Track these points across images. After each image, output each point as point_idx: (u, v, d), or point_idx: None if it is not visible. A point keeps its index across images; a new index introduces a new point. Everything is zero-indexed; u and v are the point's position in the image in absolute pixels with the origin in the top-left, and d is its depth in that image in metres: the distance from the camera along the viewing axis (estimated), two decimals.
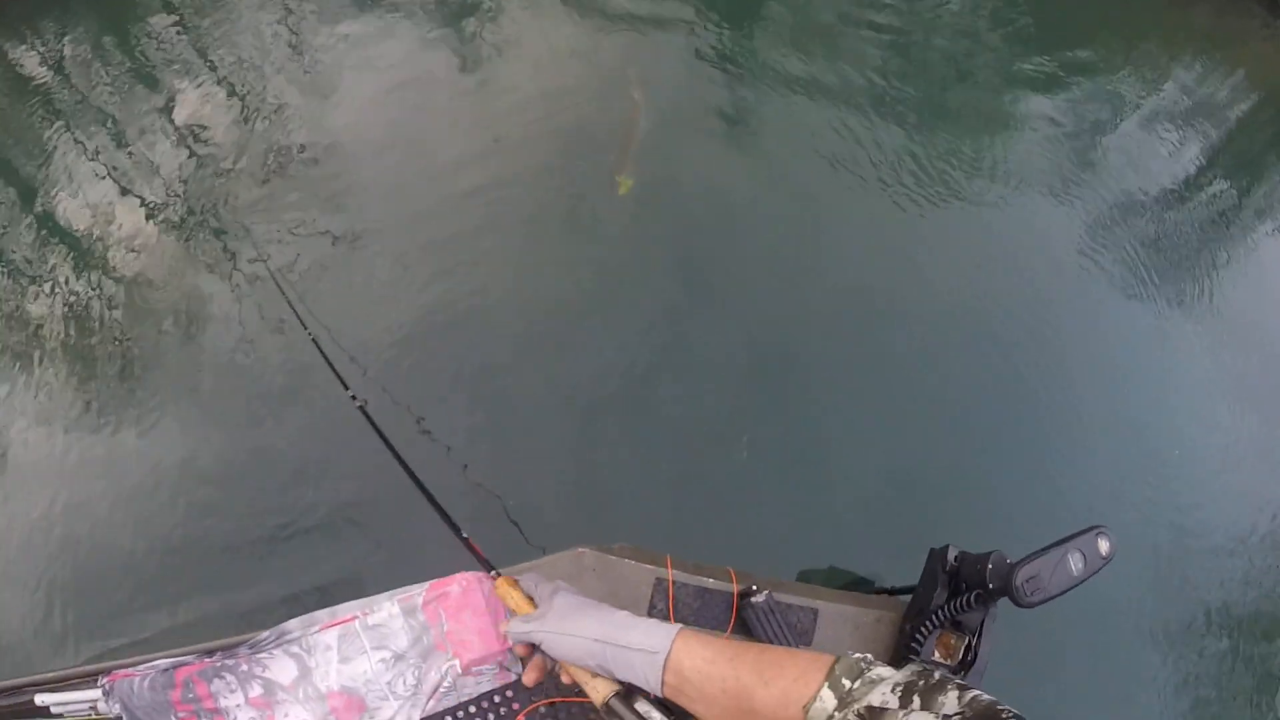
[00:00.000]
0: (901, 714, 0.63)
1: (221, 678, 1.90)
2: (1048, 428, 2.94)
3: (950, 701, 0.60)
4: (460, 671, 1.70)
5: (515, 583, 1.00)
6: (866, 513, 2.53)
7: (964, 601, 1.61)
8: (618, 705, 0.86)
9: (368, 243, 2.90)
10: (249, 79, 3.47)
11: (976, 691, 0.60)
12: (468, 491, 2.44)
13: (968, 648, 1.70)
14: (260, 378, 2.64)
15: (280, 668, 1.83)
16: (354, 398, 1.74)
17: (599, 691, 0.88)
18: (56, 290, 2.93)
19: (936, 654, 1.73)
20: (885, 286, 3.15)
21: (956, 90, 3.93)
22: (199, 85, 3.46)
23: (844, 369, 2.93)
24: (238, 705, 1.89)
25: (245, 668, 1.86)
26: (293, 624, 1.84)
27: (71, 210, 3.20)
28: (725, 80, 3.71)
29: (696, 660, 0.81)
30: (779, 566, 1.80)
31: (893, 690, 0.65)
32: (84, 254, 3.04)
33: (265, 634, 1.86)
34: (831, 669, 0.72)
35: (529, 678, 0.97)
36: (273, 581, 2.17)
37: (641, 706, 0.85)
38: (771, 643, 1.66)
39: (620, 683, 0.89)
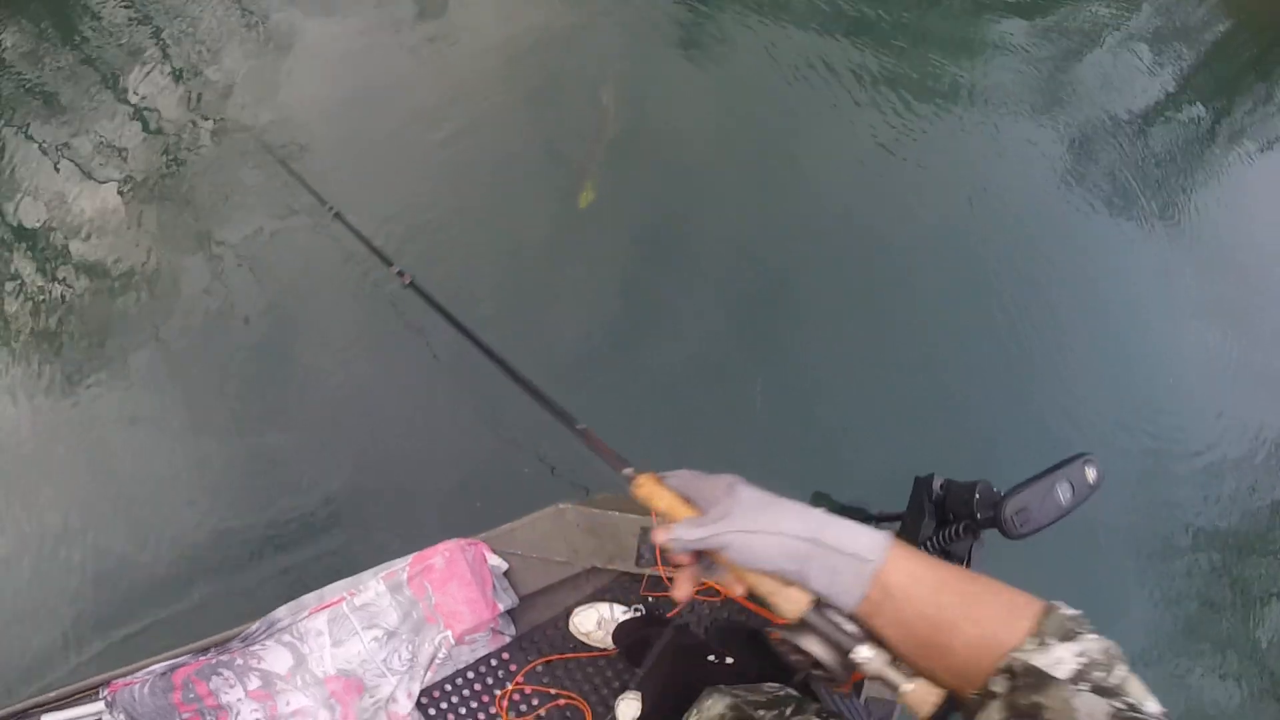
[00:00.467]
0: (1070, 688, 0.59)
1: (219, 674, 1.89)
2: (1032, 354, 2.88)
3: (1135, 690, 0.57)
4: (454, 642, 1.70)
5: (661, 480, 0.83)
6: (852, 443, 2.50)
7: (953, 531, 1.59)
8: (815, 619, 0.73)
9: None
10: (199, 54, 3.23)
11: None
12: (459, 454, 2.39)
13: None
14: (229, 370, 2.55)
15: (275, 657, 1.82)
16: (400, 273, 1.60)
17: (794, 601, 0.74)
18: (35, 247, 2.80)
19: None
20: (867, 215, 3.03)
21: (932, 14, 3.72)
22: (148, 65, 3.22)
23: (827, 298, 2.84)
24: (239, 700, 1.89)
25: (241, 661, 1.85)
26: (281, 611, 1.82)
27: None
28: (695, 9, 3.47)
29: (903, 577, 0.71)
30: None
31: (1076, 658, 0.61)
32: (56, 222, 2.87)
33: (255, 625, 1.84)
34: (1041, 621, 0.66)
35: (682, 591, 0.78)
36: (260, 569, 2.15)
37: (836, 618, 0.74)
38: None
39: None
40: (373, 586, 1.72)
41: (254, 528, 2.19)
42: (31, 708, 2.02)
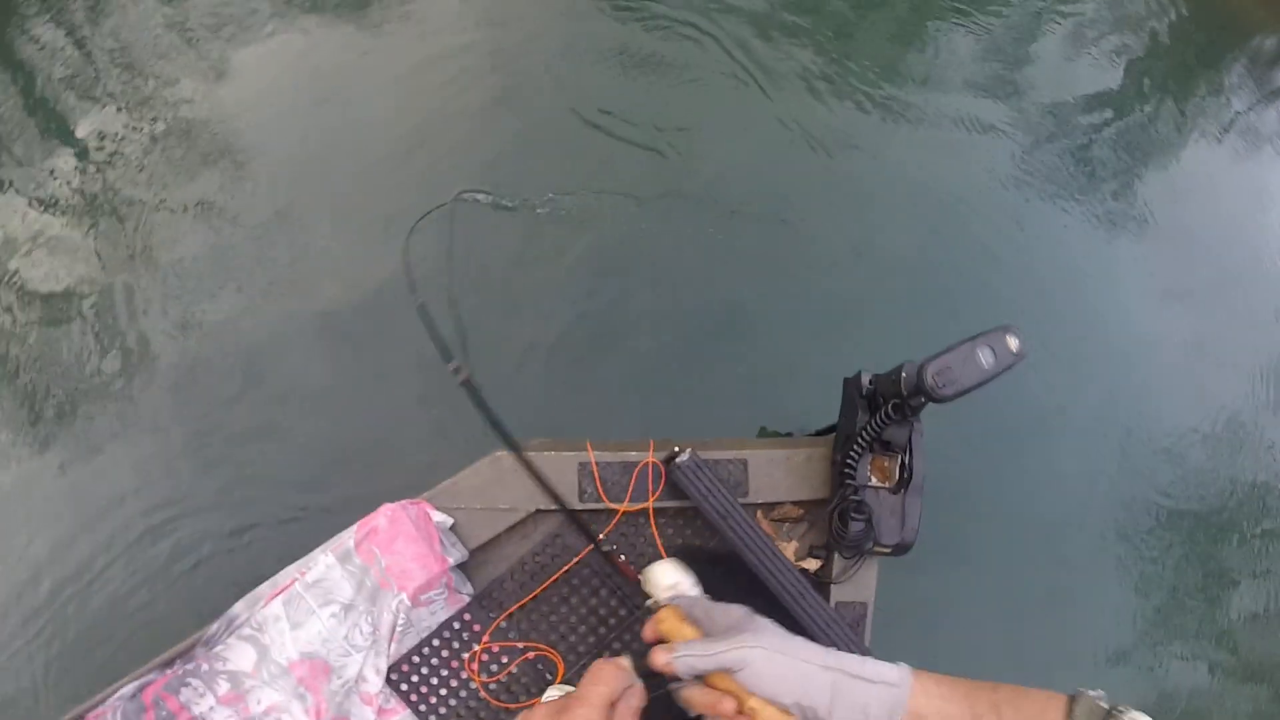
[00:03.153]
0: None
1: (188, 684, 1.87)
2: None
3: None
4: (410, 604, 1.68)
5: (679, 611, 0.80)
6: (784, 366, 2.50)
7: (884, 414, 1.58)
8: None
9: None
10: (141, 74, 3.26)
11: None
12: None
13: (901, 466, 1.69)
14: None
15: (239, 655, 1.80)
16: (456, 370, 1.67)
17: None
18: None
19: (873, 479, 1.71)
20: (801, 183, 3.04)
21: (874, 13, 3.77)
22: (91, 92, 3.25)
23: (752, 226, 2.84)
24: (210, 708, 1.86)
25: (206, 666, 1.83)
26: (238, 607, 1.81)
27: None
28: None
29: (934, 699, 0.70)
30: (701, 434, 1.76)
31: None
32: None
33: (214, 626, 1.83)
34: (1070, 712, 0.67)
35: (699, 700, 0.74)
36: (210, 566, 2.14)
37: None
38: (710, 505, 1.63)
39: None
40: (322, 561, 1.71)
41: (197, 525, 2.18)
42: None
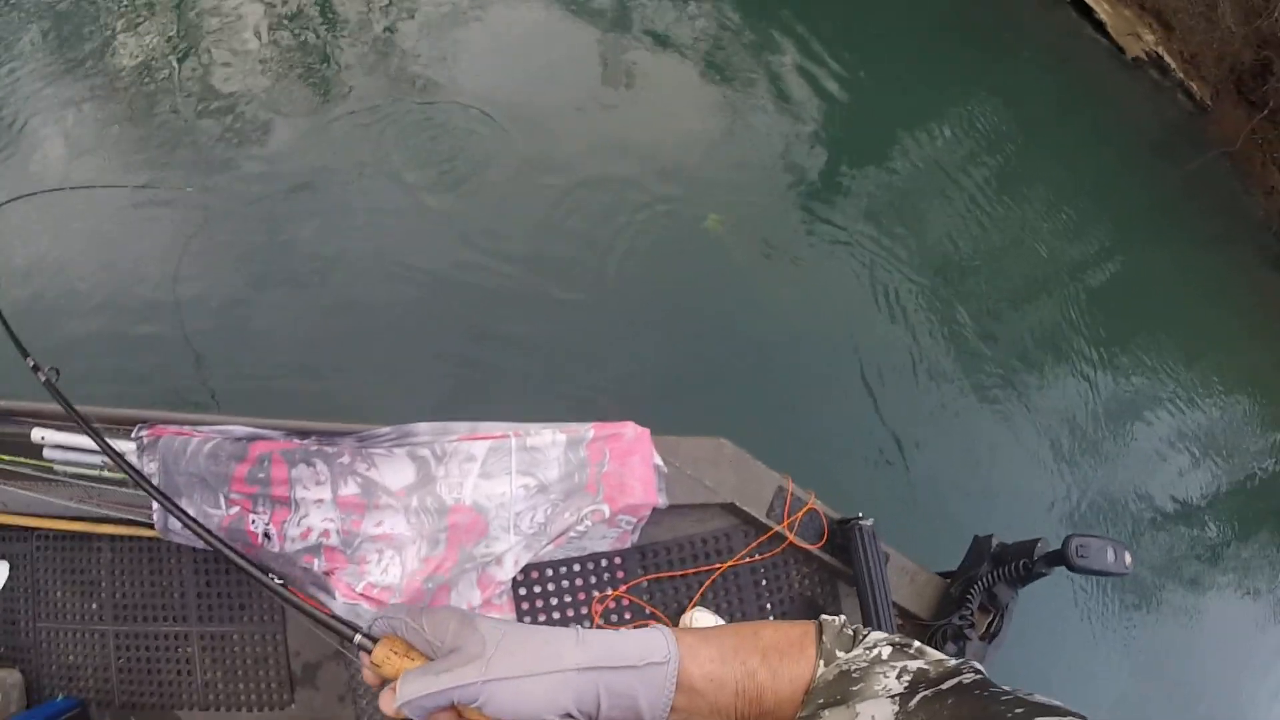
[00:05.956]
0: (893, 662, 0.63)
1: (310, 465, 1.65)
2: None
3: (920, 663, 0.63)
4: (607, 516, 1.69)
5: (398, 643, 0.67)
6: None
7: (1012, 568, 1.98)
8: None
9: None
10: None
11: (942, 656, 0.64)
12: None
13: (992, 622, 2.06)
14: None
15: (393, 470, 1.65)
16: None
17: None
18: None
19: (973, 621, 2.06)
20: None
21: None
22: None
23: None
24: (317, 501, 1.64)
25: (346, 460, 1.65)
26: (422, 427, 1.70)
27: None
28: None
29: (705, 664, 0.65)
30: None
31: (883, 646, 0.65)
32: None
33: (385, 429, 1.69)
34: (819, 640, 0.67)
35: None
36: (397, 380, 1.91)
37: None
38: (867, 569, 1.89)
39: None
40: (549, 435, 1.70)
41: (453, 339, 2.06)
42: (25, 414, 1.59)
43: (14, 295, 2.33)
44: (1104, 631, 3.43)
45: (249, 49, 3.15)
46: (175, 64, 3.03)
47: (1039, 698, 0.53)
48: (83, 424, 1.13)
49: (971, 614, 1.97)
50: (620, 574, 1.77)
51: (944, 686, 0.58)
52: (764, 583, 1.90)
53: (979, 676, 0.59)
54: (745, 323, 3.14)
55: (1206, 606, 3.69)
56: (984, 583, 1.98)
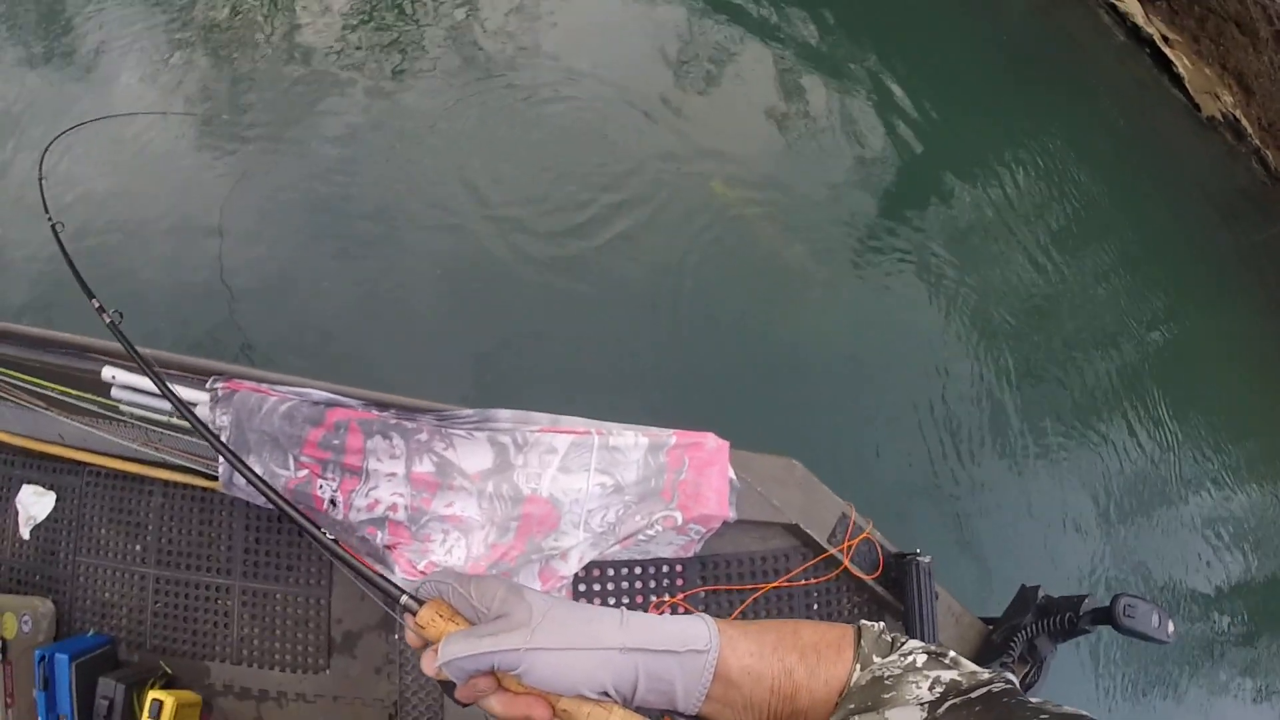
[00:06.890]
0: (926, 671, 0.63)
1: (388, 437, 1.62)
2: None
3: (954, 673, 0.63)
4: (679, 524, 1.67)
5: (445, 606, 0.68)
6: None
7: (1056, 620, 1.99)
8: None
9: None
10: None
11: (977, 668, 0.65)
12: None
13: (1030, 672, 2.07)
14: None
15: (471, 452, 1.63)
16: None
17: None
18: None
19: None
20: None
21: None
22: None
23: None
24: (389, 475, 1.61)
25: (424, 437, 1.63)
26: (504, 413, 1.68)
27: None
28: None
29: (744, 657, 0.65)
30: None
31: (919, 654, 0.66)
32: None
33: (467, 411, 1.66)
34: (857, 644, 0.67)
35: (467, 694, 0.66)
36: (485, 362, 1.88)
37: None
38: (919, 606, 1.89)
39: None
40: (631, 436, 1.68)
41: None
42: (98, 351, 1.55)
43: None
44: (1122, 701, 3.47)
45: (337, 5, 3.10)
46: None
47: (1067, 709, 0.54)
48: (146, 368, 1.10)
49: (1012, 662, 1.98)
50: (680, 581, 1.76)
51: (973, 695, 0.59)
52: (815, 606, 1.90)
53: (1009, 686, 0.60)
54: (817, 342, 3.14)
55: (1225, 702, 3.71)
56: (1027, 633, 1.99)
